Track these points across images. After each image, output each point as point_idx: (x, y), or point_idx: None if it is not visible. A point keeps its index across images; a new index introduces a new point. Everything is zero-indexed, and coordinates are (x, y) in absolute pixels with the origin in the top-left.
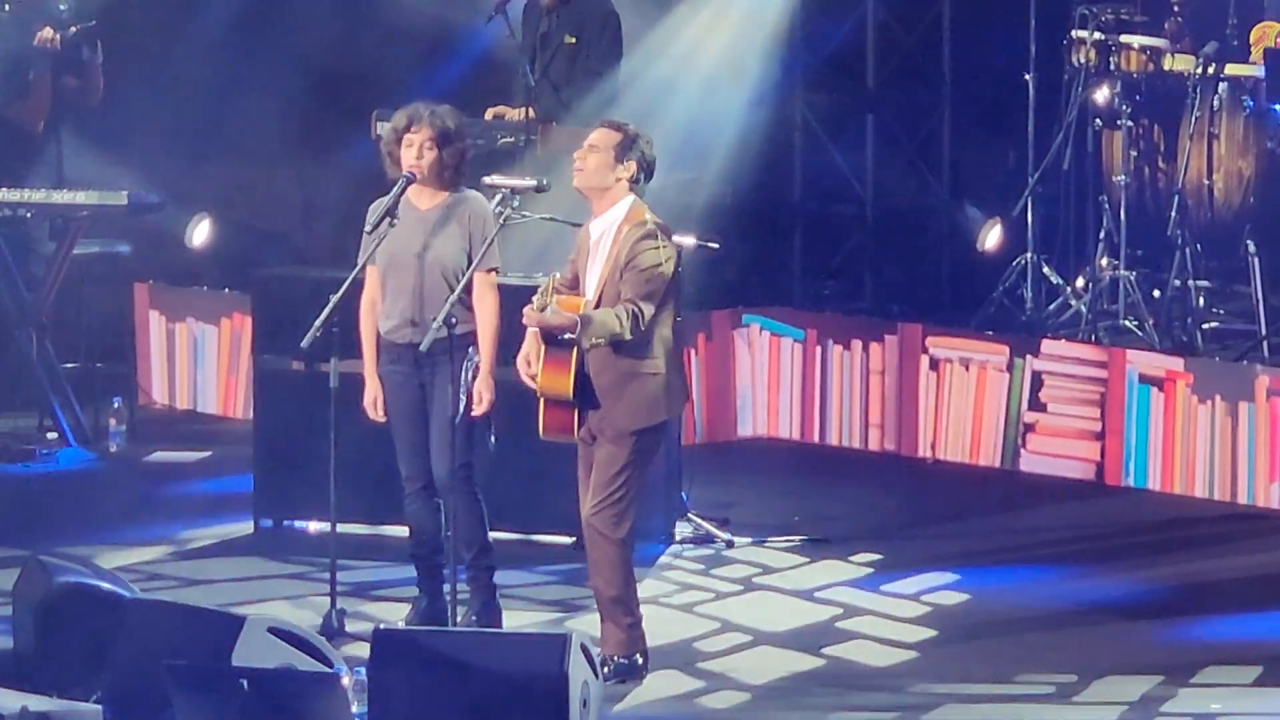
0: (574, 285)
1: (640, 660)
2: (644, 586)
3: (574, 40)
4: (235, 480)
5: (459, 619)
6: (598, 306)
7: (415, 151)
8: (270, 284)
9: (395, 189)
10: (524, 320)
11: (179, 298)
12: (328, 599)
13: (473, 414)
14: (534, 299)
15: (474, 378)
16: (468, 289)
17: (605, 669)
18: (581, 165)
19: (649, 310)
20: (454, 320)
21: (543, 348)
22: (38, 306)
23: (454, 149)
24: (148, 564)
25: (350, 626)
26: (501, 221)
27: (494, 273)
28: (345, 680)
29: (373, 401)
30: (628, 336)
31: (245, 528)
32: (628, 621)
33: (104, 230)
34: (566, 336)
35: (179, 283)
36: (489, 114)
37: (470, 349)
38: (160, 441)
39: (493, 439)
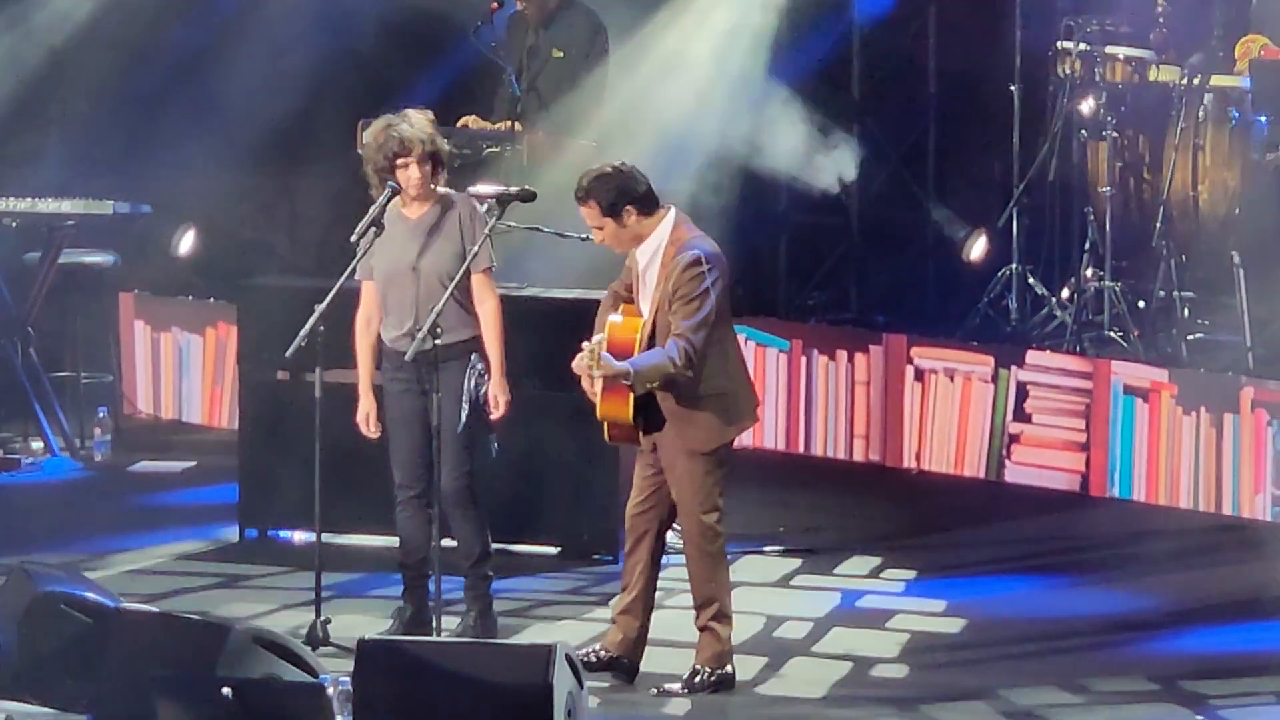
0: (632, 291)
1: (732, 671)
2: None
3: (561, 55)
4: (220, 490)
5: (454, 628)
6: (652, 334)
7: (411, 172)
8: (256, 294)
9: (381, 199)
10: (575, 369)
11: (164, 307)
12: (313, 608)
13: (491, 419)
14: (581, 357)
15: (477, 384)
16: (466, 294)
17: (696, 680)
18: (604, 242)
19: (700, 339)
20: (439, 330)
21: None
22: (23, 316)
23: (440, 157)
24: (133, 573)
25: (335, 636)
26: (487, 231)
27: (489, 271)
28: (330, 690)
29: (365, 417)
30: (685, 373)
31: (230, 537)
32: (727, 633)
33: (89, 240)
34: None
35: (164, 292)
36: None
37: (473, 356)
38: (145, 451)
39: (494, 445)
